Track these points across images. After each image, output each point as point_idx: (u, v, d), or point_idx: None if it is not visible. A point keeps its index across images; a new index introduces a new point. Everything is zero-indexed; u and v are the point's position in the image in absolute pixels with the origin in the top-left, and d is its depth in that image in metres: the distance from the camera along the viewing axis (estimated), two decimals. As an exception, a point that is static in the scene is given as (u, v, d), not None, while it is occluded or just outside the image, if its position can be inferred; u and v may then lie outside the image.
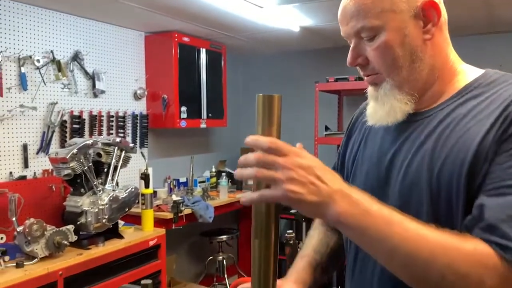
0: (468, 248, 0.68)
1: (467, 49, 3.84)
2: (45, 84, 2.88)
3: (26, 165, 2.77)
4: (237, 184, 4.34)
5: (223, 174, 4.12)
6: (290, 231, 1.08)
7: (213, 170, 4.33)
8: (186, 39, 3.70)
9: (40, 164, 2.86)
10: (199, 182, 4.16)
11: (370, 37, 0.84)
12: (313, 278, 1.05)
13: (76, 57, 3.08)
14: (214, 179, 4.28)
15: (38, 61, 2.82)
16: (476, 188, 0.75)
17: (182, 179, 4.05)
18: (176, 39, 3.60)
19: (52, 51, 2.92)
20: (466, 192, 0.76)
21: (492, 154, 0.75)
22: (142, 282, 0.62)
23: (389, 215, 0.71)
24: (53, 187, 2.80)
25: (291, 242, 1.07)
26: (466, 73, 0.89)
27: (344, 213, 0.69)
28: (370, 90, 0.92)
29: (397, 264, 0.71)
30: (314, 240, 1.13)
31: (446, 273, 0.67)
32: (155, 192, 3.47)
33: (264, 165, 0.69)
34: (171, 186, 3.89)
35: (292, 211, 4.12)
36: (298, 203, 0.69)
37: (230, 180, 4.22)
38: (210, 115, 3.97)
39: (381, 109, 0.88)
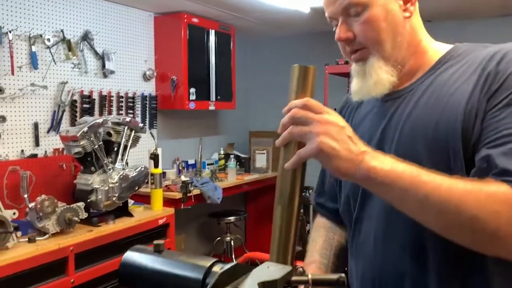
0: (493, 189, 0.72)
1: (479, 33, 3.78)
2: (55, 64, 2.89)
3: (37, 143, 2.80)
4: (245, 167, 4.36)
5: (232, 156, 4.14)
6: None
7: (222, 152, 4.34)
8: (195, 20, 3.68)
9: (50, 143, 2.89)
10: (208, 164, 4.18)
11: (357, 13, 0.89)
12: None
13: (86, 37, 3.08)
14: (222, 162, 4.30)
15: (48, 40, 2.83)
16: (472, 145, 0.80)
17: (191, 161, 4.08)
18: (185, 20, 3.59)
19: (62, 30, 2.93)
20: (463, 150, 0.80)
21: (482, 111, 0.80)
22: (155, 242, 0.62)
23: (415, 168, 0.75)
24: (64, 165, 2.84)
25: (299, 218, 1.08)
26: (437, 49, 0.95)
27: (373, 168, 0.74)
28: (354, 67, 0.95)
29: (429, 213, 0.74)
30: (318, 244, 1.13)
31: (478, 214, 0.70)
32: (164, 173, 3.49)
33: (299, 121, 0.75)
34: (180, 168, 3.91)
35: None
36: (331, 157, 0.73)
37: (238, 162, 4.24)
38: (218, 97, 3.97)
39: (369, 80, 0.92)
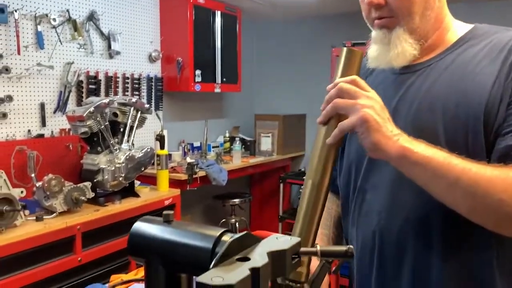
0: None
1: (489, 15, 3.71)
2: (61, 44, 2.88)
3: (43, 123, 2.81)
4: (250, 150, 4.36)
5: (237, 139, 4.14)
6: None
7: (227, 135, 4.34)
8: (201, 1, 3.64)
9: (57, 123, 2.89)
10: (213, 147, 4.19)
11: None
12: None
13: (91, 17, 3.07)
14: (227, 144, 4.30)
15: (54, 20, 2.81)
16: (495, 130, 0.81)
17: (196, 144, 4.08)
18: (191, 1, 3.55)
19: (68, 10, 2.91)
20: (484, 133, 0.81)
21: (507, 97, 0.81)
22: (164, 212, 0.63)
23: (445, 152, 0.78)
24: (70, 146, 2.85)
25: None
26: (458, 27, 0.95)
27: (409, 148, 0.77)
28: (377, 33, 0.94)
29: (458, 195, 0.77)
30: None
31: (504, 198, 0.74)
32: (169, 155, 3.50)
33: (346, 94, 0.79)
34: (185, 150, 3.92)
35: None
36: (373, 130, 0.76)
37: (243, 145, 4.24)
38: (224, 79, 3.96)
39: (392, 50, 0.91)
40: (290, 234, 0.79)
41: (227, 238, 0.58)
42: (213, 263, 0.54)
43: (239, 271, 0.52)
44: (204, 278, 0.50)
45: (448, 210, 0.82)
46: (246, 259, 0.55)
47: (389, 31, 0.91)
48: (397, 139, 0.77)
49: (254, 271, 0.53)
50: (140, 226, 0.65)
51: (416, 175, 0.80)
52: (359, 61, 0.84)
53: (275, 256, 0.58)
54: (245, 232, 0.60)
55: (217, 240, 0.58)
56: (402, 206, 0.90)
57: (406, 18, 0.89)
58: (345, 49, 0.84)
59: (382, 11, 0.91)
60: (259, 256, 0.57)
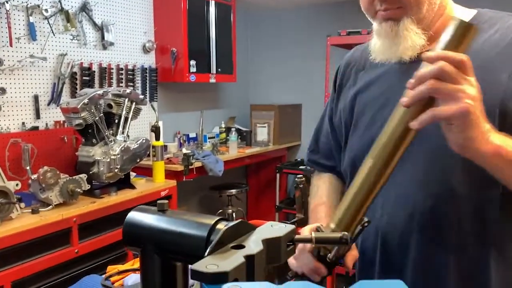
0: None
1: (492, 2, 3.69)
2: (54, 35, 2.86)
3: (38, 116, 2.79)
4: (246, 140, 4.36)
5: (233, 130, 4.13)
6: (300, 175, 1.08)
7: (223, 126, 4.33)
8: (195, -10, 3.61)
9: (51, 116, 2.88)
10: (209, 138, 4.18)
11: None
12: None
13: (84, 8, 3.03)
14: (223, 135, 4.29)
15: (46, 10, 2.78)
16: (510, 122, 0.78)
17: (192, 135, 4.07)
18: (185, -10, 3.52)
19: (60, 1, 2.87)
20: (499, 126, 0.78)
21: None
22: (159, 201, 0.63)
23: None
24: (65, 138, 2.84)
25: (301, 185, 1.08)
26: (461, 12, 0.93)
27: (502, 146, 0.72)
28: (382, 26, 0.90)
29: None
30: (324, 188, 1.13)
31: None
32: (165, 146, 3.50)
33: (448, 77, 0.66)
34: (181, 141, 3.91)
35: (302, 167, 4.15)
36: (471, 125, 0.68)
37: (239, 136, 4.24)
38: (219, 69, 3.94)
39: (402, 43, 0.87)
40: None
41: (222, 226, 0.58)
42: (208, 251, 0.54)
43: (234, 259, 0.52)
44: (199, 265, 0.50)
45: (453, 204, 0.82)
46: (241, 246, 0.55)
47: (396, 22, 0.88)
48: (489, 136, 0.71)
49: (249, 258, 0.53)
50: (135, 215, 0.64)
51: (504, 172, 0.76)
52: (471, 37, 0.71)
53: (270, 243, 0.58)
54: (239, 220, 0.60)
55: (212, 228, 0.58)
56: (407, 200, 0.90)
57: (414, 8, 0.86)
58: (459, 20, 0.70)
59: (388, 2, 0.87)
60: (254, 244, 0.57)
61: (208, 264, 0.50)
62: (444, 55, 0.68)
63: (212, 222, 0.59)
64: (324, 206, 1.08)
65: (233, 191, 4.06)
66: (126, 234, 0.64)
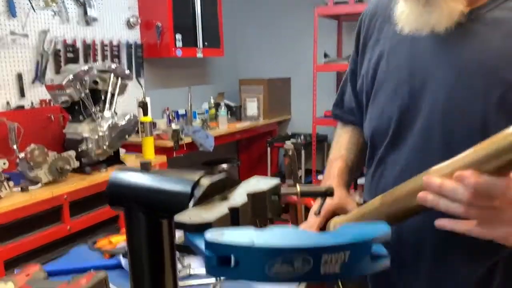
0: None
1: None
2: (34, 11, 2.78)
3: (22, 94, 2.74)
4: (236, 115, 4.34)
5: (222, 105, 4.10)
6: (289, 142, 1.08)
7: (212, 102, 4.30)
8: (178, -38, 3.53)
9: (36, 94, 2.83)
10: (198, 114, 4.15)
11: None
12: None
13: (64, -18, 2.95)
14: (213, 111, 4.26)
15: (25, -15, 2.70)
16: None
17: (181, 111, 4.04)
18: (168, -38, 3.44)
19: (38, -25, 2.80)
20: None
21: None
22: (141, 161, 0.62)
23: None
24: (52, 116, 2.79)
25: (290, 153, 1.08)
26: None
27: None
28: None
29: None
30: (344, 140, 1.12)
31: None
32: (154, 123, 3.47)
33: (484, 199, 0.60)
34: (170, 118, 3.88)
35: (293, 140, 4.13)
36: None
37: (229, 111, 4.21)
38: (206, 43, 3.88)
39: (435, 12, 0.76)
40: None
41: (206, 181, 0.58)
42: (191, 204, 0.53)
43: (218, 210, 0.52)
44: (182, 217, 0.50)
45: None
46: (225, 198, 0.55)
47: None
48: None
49: (233, 210, 0.53)
50: (118, 175, 0.64)
51: None
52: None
53: (255, 197, 0.58)
54: (223, 174, 0.59)
55: (196, 184, 0.58)
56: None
57: None
58: None
59: None
60: (238, 196, 0.56)
61: (192, 215, 0.50)
62: (464, 178, 0.59)
63: (196, 177, 0.58)
64: (341, 160, 1.06)
65: (225, 166, 4.06)
66: (110, 194, 0.63)
